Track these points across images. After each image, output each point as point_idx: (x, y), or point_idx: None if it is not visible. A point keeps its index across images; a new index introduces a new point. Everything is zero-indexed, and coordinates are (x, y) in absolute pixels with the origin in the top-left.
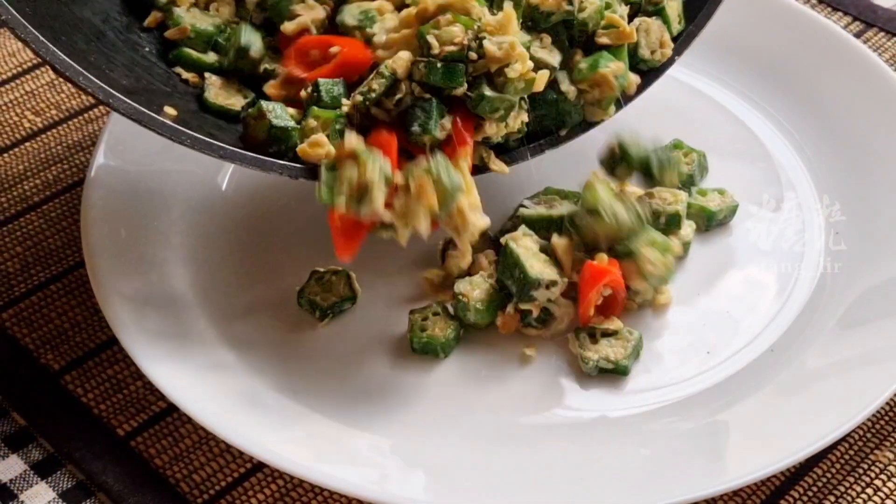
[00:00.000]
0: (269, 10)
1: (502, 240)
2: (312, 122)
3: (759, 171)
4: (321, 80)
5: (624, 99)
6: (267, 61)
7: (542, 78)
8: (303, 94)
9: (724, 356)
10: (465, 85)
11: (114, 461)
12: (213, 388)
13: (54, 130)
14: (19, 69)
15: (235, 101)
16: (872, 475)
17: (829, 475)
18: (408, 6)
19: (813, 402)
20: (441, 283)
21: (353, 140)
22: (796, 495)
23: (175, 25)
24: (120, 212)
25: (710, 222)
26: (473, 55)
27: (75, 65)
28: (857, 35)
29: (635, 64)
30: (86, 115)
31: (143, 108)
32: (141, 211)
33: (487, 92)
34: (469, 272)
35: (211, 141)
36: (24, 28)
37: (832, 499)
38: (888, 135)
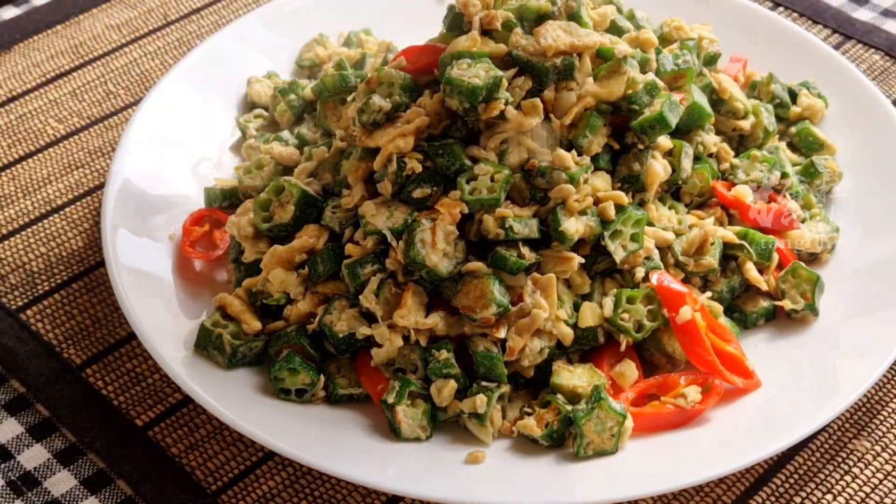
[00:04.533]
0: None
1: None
2: None
3: None
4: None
5: None
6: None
7: None
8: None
9: None
10: None
11: (132, 450)
12: (225, 381)
13: (76, 137)
14: (43, 79)
15: None
16: (851, 463)
17: (809, 463)
18: None
19: (795, 393)
20: None
21: None
22: (778, 482)
23: None
24: (138, 214)
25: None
26: None
27: None
28: (836, 47)
29: None
30: (106, 123)
31: None
32: (158, 212)
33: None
34: None
35: None
36: None
37: (812, 486)
38: (867, 142)
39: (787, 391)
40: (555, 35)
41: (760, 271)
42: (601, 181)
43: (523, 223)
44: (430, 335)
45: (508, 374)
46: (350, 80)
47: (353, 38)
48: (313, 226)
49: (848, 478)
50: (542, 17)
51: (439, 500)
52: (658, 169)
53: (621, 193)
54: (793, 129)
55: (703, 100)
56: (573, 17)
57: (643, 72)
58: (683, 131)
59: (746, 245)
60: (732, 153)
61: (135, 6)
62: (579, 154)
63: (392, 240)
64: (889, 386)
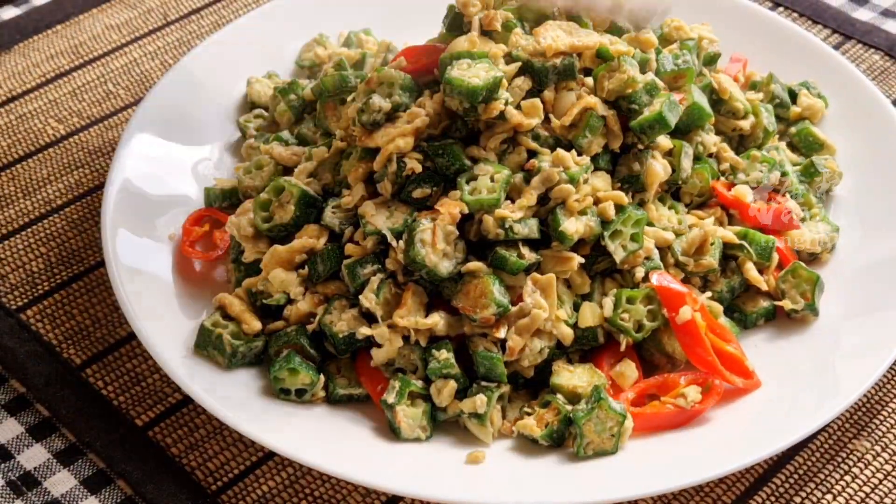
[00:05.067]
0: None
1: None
2: None
3: None
4: None
5: None
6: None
7: None
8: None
9: None
10: None
11: (132, 450)
12: (225, 381)
13: (76, 137)
14: (43, 79)
15: None
16: (851, 463)
17: (809, 463)
18: None
19: (795, 393)
20: None
21: None
22: (778, 482)
23: None
24: (138, 214)
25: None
26: None
27: None
28: (836, 47)
29: None
30: (106, 123)
31: None
32: (158, 212)
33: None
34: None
35: None
36: None
37: (812, 486)
38: (867, 142)
39: (787, 391)
40: (554, 35)
41: (760, 271)
42: (601, 181)
43: (523, 223)
44: (430, 335)
45: (508, 374)
46: (350, 81)
47: (353, 38)
48: (313, 226)
49: (848, 478)
50: (541, 18)
51: (439, 500)
52: (658, 169)
53: (621, 193)
54: (793, 129)
55: (702, 100)
56: (573, 17)
57: (643, 72)
58: (683, 131)
59: (746, 245)
60: (732, 153)
61: (135, 6)
62: (579, 154)
63: (392, 240)
64: (889, 386)
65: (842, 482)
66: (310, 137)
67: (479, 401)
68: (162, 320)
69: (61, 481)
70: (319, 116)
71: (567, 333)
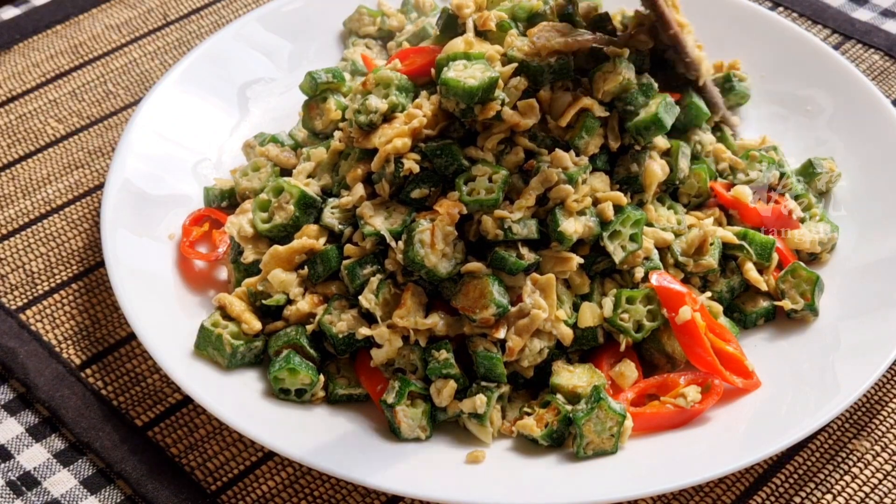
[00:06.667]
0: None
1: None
2: None
3: None
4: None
5: None
6: None
7: None
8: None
9: None
10: None
11: (132, 450)
12: (225, 381)
13: (76, 137)
14: (43, 79)
15: None
16: (850, 463)
17: (809, 463)
18: None
19: (795, 393)
20: None
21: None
22: (778, 482)
23: None
24: (138, 214)
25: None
26: None
27: None
28: (836, 47)
29: None
30: (106, 123)
31: None
32: (158, 212)
33: None
34: None
35: None
36: None
37: (812, 486)
38: (867, 142)
39: (787, 391)
40: (548, 35)
41: (760, 271)
42: (599, 182)
43: (522, 223)
44: (429, 335)
45: (508, 374)
46: (321, 77)
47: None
48: (313, 226)
49: (848, 478)
50: (534, 17)
51: (439, 500)
52: (656, 169)
53: (620, 194)
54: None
55: (699, 99)
56: (565, 16)
57: (639, 72)
58: (681, 130)
59: (746, 245)
60: (731, 153)
61: (135, 6)
62: (576, 154)
63: (391, 240)
64: (889, 386)
65: (842, 482)
66: (300, 139)
67: (478, 401)
68: (162, 320)
69: (61, 481)
70: (304, 119)
71: (567, 333)
